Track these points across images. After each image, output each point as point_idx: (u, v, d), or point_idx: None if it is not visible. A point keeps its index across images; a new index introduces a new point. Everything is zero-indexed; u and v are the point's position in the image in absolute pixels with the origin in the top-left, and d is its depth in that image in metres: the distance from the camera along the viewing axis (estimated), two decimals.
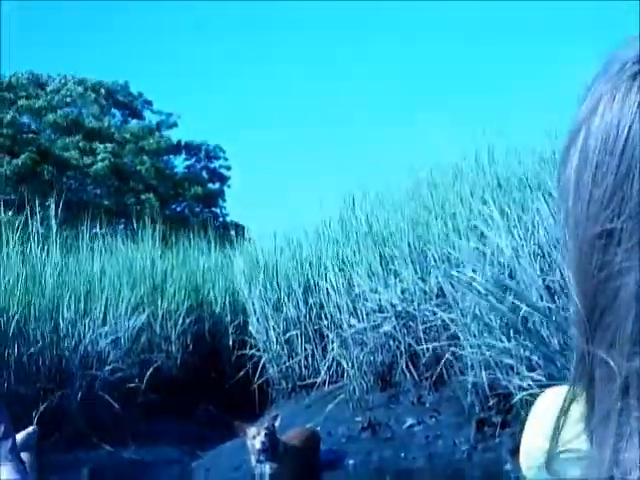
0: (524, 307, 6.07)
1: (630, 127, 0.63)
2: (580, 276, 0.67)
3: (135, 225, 11.48)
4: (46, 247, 9.22)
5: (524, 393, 6.08)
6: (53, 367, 8.04)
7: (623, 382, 0.62)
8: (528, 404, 6.20)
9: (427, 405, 7.55)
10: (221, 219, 31.00)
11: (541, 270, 6.18)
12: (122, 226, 19.53)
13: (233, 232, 14.33)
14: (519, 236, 6.54)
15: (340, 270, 8.82)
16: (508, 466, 6.08)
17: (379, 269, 8.36)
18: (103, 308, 8.64)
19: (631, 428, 0.61)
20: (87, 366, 8.17)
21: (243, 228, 24.14)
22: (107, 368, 8.20)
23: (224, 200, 32.78)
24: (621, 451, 0.62)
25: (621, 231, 0.63)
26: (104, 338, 8.34)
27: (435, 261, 7.75)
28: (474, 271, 6.87)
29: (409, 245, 8.09)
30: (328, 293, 8.93)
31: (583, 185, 0.66)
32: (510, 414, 6.54)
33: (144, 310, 9.18)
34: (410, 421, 7.37)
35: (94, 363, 8.23)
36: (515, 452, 6.12)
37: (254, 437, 6.37)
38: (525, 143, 8.48)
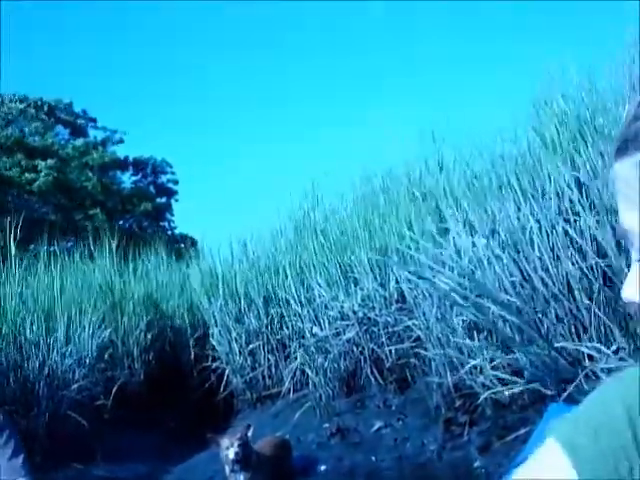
0: (489, 305, 6.22)
1: None
2: None
3: (91, 242, 11.44)
4: (5, 269, 9.20)
5: (489, 392, 6.25)
6: (18, 389, 8.02)
7: None
8: (493, 403, 6.39)
9: (393, 408, 7.67)
10: (170, 232, 30.93)
11: (502, 269, 6.34)
12: (71, 243, 19.41)
13: (183, 245, 14.33)
14: (480, 236, 6.70)
15: (300, 280, 8.93)
16: (477, 463, 6.24)
17: (339, 277, 8.49)
18: (65, 327, 8.63)
19: None
20: (53, 386, 8.16)
21: (193, 240, 24.20)
22: (73, 387, 8.19)
23: (172, 214, 32.78)
24: None
25: None
26: (68, 357, 8.34)
27: (393, 267, 7.88)
28: (433, 276, 7.03)
29: (367, 253, 8.22)
30: (288, 303, 9.03)
31: None
32: (476, 413, 6.69)
33: (105, 327, 9.19)
34: (378, 424, 7.49)
35: (59, 383, 8.22)
36: (484, 449, 6.29)
37: (227, 448, 6.41)
38: (475, 143, 8.65)
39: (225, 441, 6.45)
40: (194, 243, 20.88)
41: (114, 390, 8.77)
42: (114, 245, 11.10)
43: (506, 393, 6.17)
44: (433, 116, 9.87)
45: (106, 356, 9.19)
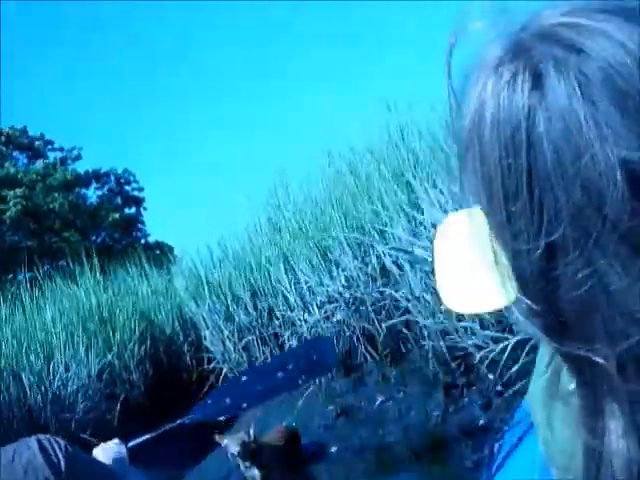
0: None
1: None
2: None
3: (70, 263, 11.48)
4: None
5: (484, 351, 6.42)
6: (24, 419, 8.13)
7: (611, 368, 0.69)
8: (490, 361, 6.55)
9: (392, 381, 7.82)
10: (143, 241, 30.89)
11: None
12: (48, 267, 19.41)
13: (159, 252, 14.35)
14: (453, 208, 6.84)
15: (284, 270, 9.04)
16: (482, 421, 6.42)
17: (320, 262, 8.61)
18: (62, 354, 8.75)
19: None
20: (58, 412, 8.27)
21: (169, 246, 24.22)
22: (79, 408, 8.31)
23: (142, 223, 32.73)
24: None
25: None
26: (70, 382, 8.45)
27: (372, 244, 8.03)
28: (412, 244, 7.20)
29: (344, 233, 8.35)
30: (275, 294, 9.15)
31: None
32: (473, 373, 6.86)
33: (101, 349, 9.28)
34: (380, 399, 7.65)
35: (65, 408, 8.33)
36: (486, 407, 6.46)
37: (230, 448, 6.65)
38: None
39: (227, 442, 6.68)
40: (170, 249, 20.95)
41: (118, 406, 8.88)
42: (95, 263, 11.16)
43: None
44: (395, 87, 9.97)
45: (105, 374, 9.27)
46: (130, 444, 3.27)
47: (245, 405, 3.97)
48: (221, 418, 8.43)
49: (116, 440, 3.21)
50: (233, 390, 3.83)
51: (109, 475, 2.76)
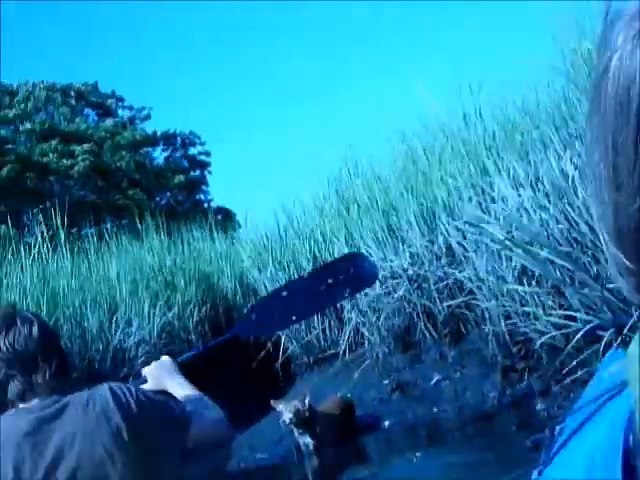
0: (538, 252, 6.35)
1: None
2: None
3: (137, 222, 11.65)
4: (56, 256, 9.48)
5: (545, 337, 6.39)
6: (84, 371, 8.30)
7: None
8: (549, 348, 6.53)
9: (450, 360, 7.84)
10: (206, 205, 31.14)
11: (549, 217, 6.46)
12: (111, 224, 19.71)
13: (221, 217, 14.44)
14: (524, 187, 6.82)
15: (348, 244, 9.07)
16: (539, 406, 6.42)
17: (386, 238, 8.63)
18: (125, 308, 8.92)
19: None
20: (118, 364, 8.44)
21: (230, 212, 24.41)
22: (138, 363, 8.46)
23: (207, 186, 32.96)
24: None
25: None
26: (132, 337, 8.62)
27: (442, 223, 8.01)
28: (482, 227, 7.19)
29: (414, 210, 8.35)
30: None
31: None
32: (533, 359, 6.84)
33: (162, 308, 9.43)
34: (436, 377, 7.68)
35: (125, 361, 8.49)
36: (544, 393, 6.44)
37: (284, 414, 6.75)
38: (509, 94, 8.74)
39: (282, 408, 6.79)
40: (233, 215, 21.12)
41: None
42: (160, 223, 11.32)
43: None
44: (464, 70, 9.90)
45: (164, 333, 9.43)
46: (180, 359, 3.30)
47: (294, 318, 3.90)
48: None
49: (166, 357, 3.25)
50: (275, 305, 3.75)
51: (181, 418, 2.82)
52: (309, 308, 4.02)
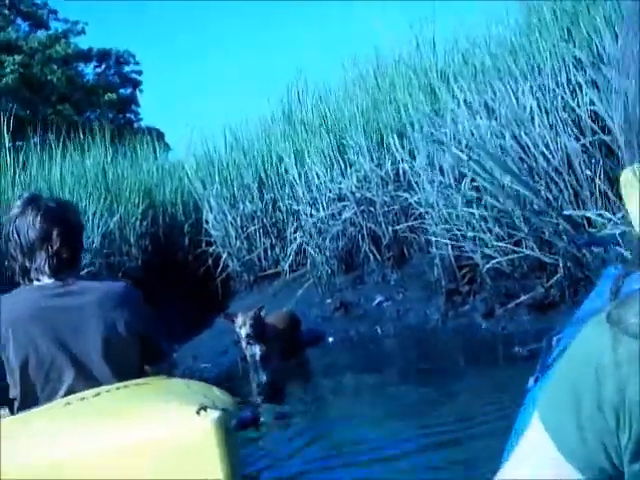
0: (487, 185, 6.50)
1: None
2: None
3: (80, 135, 11.44)
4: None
5: (492, 262, 6.58)
6: None
7: None
8: (495, 272, 6.72)
9: (392, 283, 8.00)
10: (136, 124, 30.64)
11: (501, 148, 6.60)
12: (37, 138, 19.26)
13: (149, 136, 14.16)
14: (480, 117, 6.92)
15: (295, 163, 9.09)
16: (484, 325, 6.64)
17: (335, 160, 8.67)
18: None
19: None
20: None
21: (159, 132, 24.07)
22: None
23: (137, 105, 32.41)
24: None
25: None
26: None
27: (390, 148, 8.09)
28: (429, 157, 7.32)
29: (364, 133, 8.40)
30: (283, 187, 9.23)
31: None
32: (476, 283, 7.03)
33: (104, 216, 9.34)
34: (379, 298, 7.83)
35: None
36: (487, 315, 6.64)
37: (241, 325, 6.89)
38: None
39: (239, 319, 6.92)
40: (161, 135, 20.83)
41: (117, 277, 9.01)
42: (107, 136, 11.19)
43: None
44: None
45: (105, 245, 9.36)
46: None
47: None
48: None
49: None
50: None
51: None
52: None
